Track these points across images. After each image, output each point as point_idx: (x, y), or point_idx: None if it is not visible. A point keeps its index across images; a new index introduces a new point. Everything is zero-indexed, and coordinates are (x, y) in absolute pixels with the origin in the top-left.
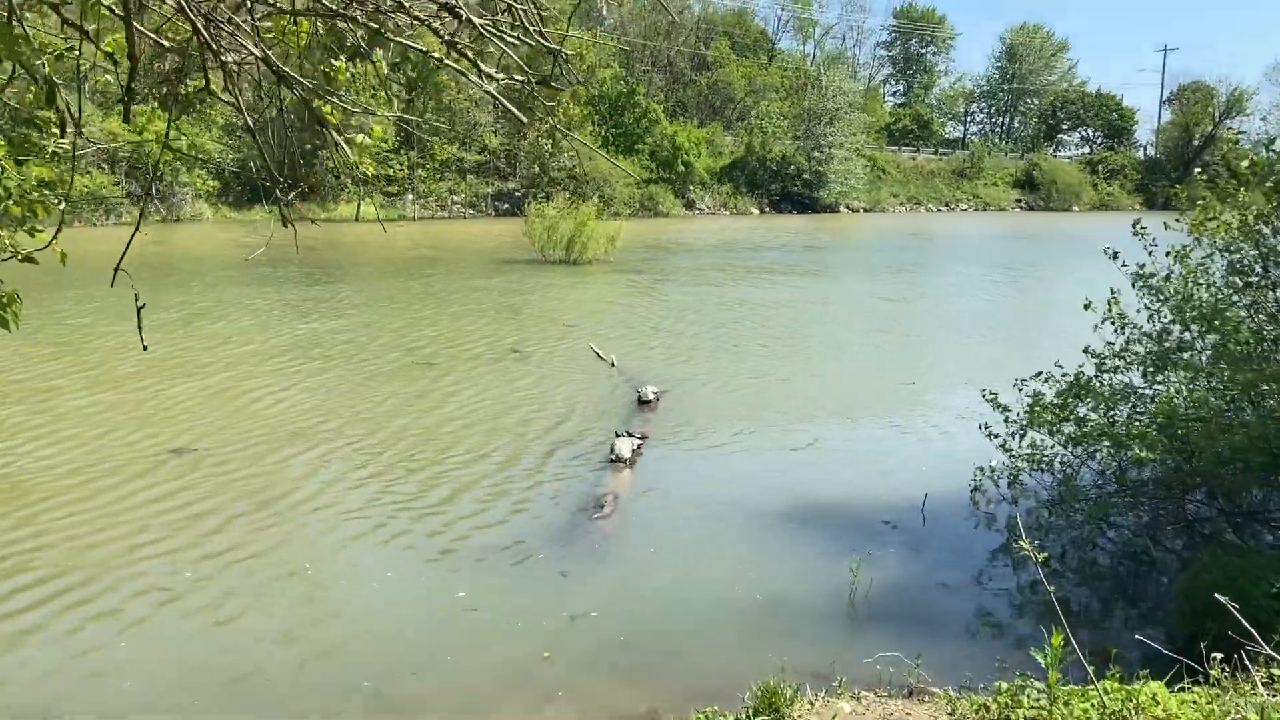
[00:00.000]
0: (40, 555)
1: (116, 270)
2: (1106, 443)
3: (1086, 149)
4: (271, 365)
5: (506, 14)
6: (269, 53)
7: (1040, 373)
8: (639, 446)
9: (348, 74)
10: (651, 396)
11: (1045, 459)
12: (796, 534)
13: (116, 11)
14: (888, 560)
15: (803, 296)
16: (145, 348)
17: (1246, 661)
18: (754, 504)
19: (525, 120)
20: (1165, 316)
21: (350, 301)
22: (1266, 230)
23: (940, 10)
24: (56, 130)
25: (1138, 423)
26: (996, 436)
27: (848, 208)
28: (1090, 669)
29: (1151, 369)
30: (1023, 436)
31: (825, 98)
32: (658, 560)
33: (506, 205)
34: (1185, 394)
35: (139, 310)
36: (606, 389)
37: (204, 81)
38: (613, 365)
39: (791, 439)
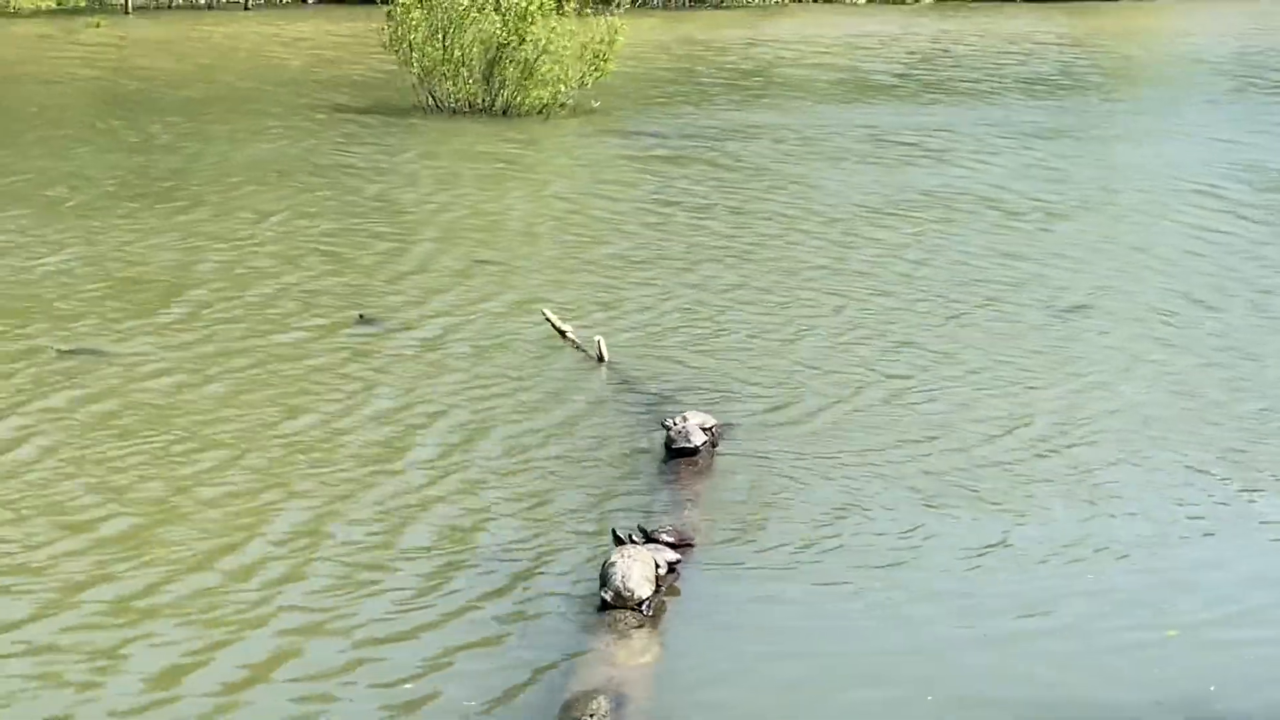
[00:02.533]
0: None
1: None
2: None
3: None
4: None
5: None
6: None
7: None
8: (671, 568)
9: None
10: (698, 440)
11: None
12: None
13: None
14: None
15: (1069, 186)
16: None
17: None
18: None
19: None
20: None
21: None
22: None
23: None
24: None
25: None
26: None
27: None
28: None
29: None
30: None
31: None
32: None
33: None
34: None
35: None
36: (584, 415)
37: None
38: (601, 361)
39: (1059, 565)
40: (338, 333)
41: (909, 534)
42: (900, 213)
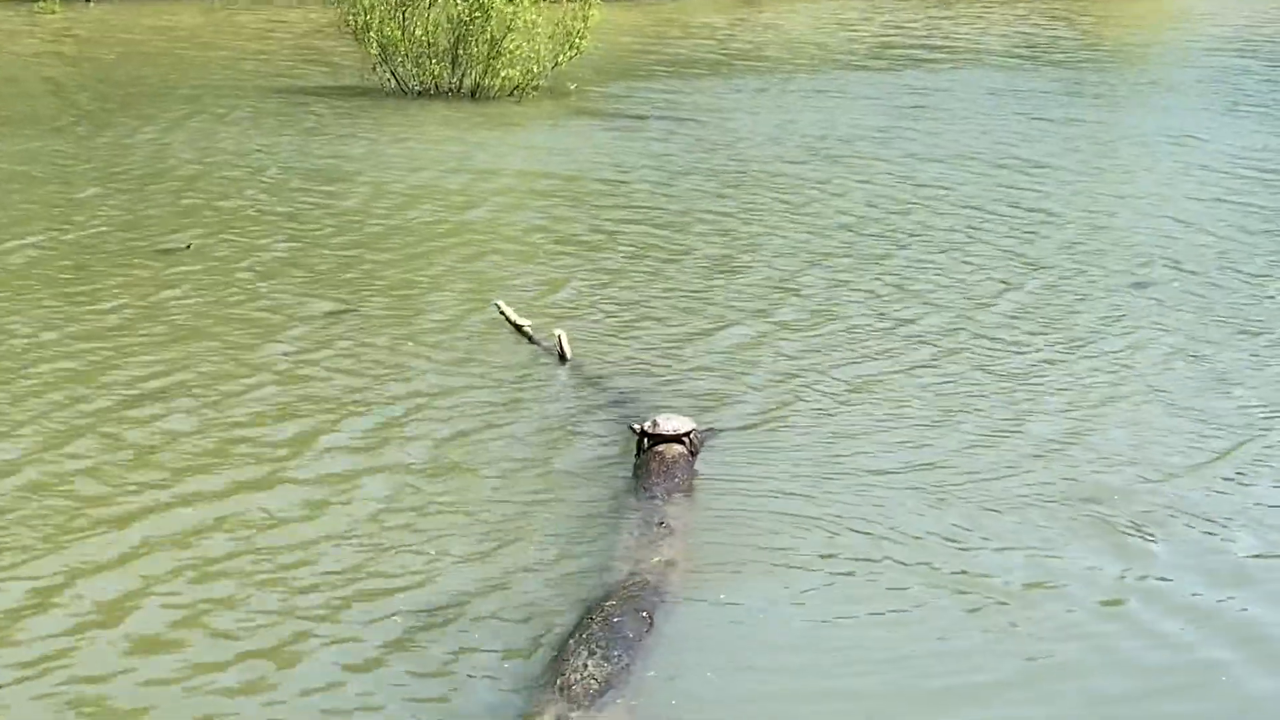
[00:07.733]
0: None
1: None
2: None
3: None
4: None
5: None
6: None
7: None
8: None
9: None
10: (677, 427)
11: None
12: None
13: None
14: None
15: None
16: None
17: None
18: None
19: None
20: None
21: None
22: None
23: None
24: None
25: None
26: None
27: None
28: None
29: None
30: None
31: None
32: None
33: None
34: None
35: None
36: (543, 420)
37: None
38: (562, 358)
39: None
40: (320, 327)
41: (919, 566)
42: (911, 182)
